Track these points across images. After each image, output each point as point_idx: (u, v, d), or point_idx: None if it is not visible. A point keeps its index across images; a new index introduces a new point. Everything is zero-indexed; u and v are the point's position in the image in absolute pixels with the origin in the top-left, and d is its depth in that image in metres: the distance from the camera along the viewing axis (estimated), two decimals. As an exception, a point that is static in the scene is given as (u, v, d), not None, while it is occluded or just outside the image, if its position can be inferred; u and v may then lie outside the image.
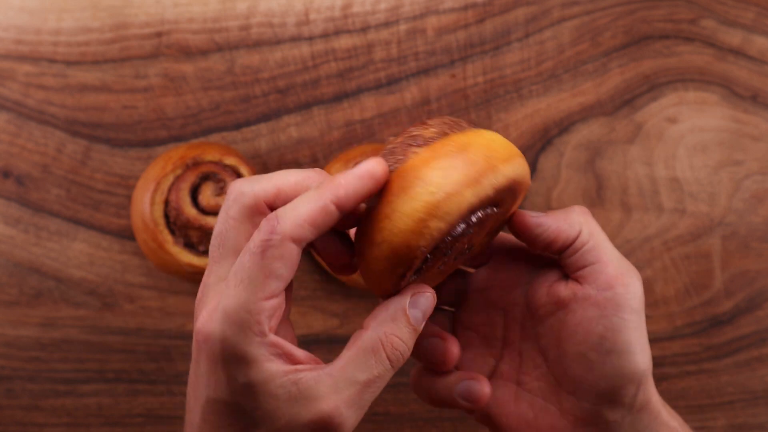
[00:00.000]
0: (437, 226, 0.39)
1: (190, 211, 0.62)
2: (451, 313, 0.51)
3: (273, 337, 0.40)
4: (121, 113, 0.68)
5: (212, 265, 0.41)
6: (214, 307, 0.40)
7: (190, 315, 0.68)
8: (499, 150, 0.42)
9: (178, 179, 0.62)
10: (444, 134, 0.42)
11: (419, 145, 0.42)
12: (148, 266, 0.68)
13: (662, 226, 0.69)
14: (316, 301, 0.69)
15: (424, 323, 0.42)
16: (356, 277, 0.64)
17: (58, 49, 0.67)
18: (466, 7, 0.68)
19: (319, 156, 0.68)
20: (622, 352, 0.46)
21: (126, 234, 0.68)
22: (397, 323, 0.41)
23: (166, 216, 0.63)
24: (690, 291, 0.70)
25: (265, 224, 0.39)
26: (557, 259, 0.48)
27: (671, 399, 0.70)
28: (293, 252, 0.39)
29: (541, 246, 0.46)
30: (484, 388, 0.47)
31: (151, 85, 0.68)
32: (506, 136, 0.69)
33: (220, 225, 0.41)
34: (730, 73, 0.69)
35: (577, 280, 0.47)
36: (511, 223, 0.46)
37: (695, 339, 0.70)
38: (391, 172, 0.42)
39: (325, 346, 0.69)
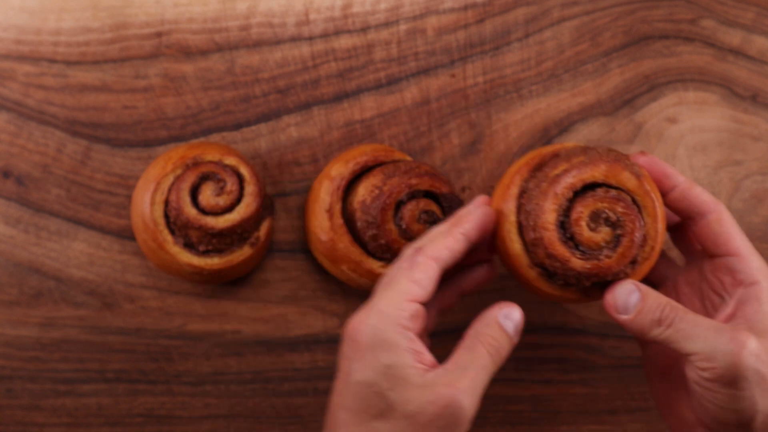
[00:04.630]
0: None
1: (190, 211, 0.62)
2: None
3: (413, 335, 0.50)
4: (122, 113, 0.68)
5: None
6: (368, 308, 0.51)
7: (190, 315, 0.69)
8: None
9: (178, 179, 0.63)
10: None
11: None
12: (148, 266, 0.68)
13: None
14: (316, 301, 0.69)
15: (517, 334, 0.53)
16: (356, 278, 0.64)
17: (58, 49, 0.67)
18: (466, 7, 0.68)
19: (319, 156, 0.68)
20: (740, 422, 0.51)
21: (126, 234, 0.68)
22: (490, 326, 0.52)
23: (166, 216, 0.63)
24: (690, 291, 0.70)
25: (410, 250, 0.53)
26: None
27: (671, 399, 0.70)
28: (434, 268, 0.52)
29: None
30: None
31: (151, 85, 0.68)
32: (506, 136, 0.69)
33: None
34: (730, 73, 0.69)
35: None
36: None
37: (695, 339, 0.70)
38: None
39: (325, 345, 0.69)
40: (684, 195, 0.55)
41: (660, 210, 0.55)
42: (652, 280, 0.61)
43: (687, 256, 0.61)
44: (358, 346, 0.50)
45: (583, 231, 0.54)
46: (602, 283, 0.55)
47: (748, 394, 0.50)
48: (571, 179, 0.54)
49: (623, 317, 0.53)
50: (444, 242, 0.53)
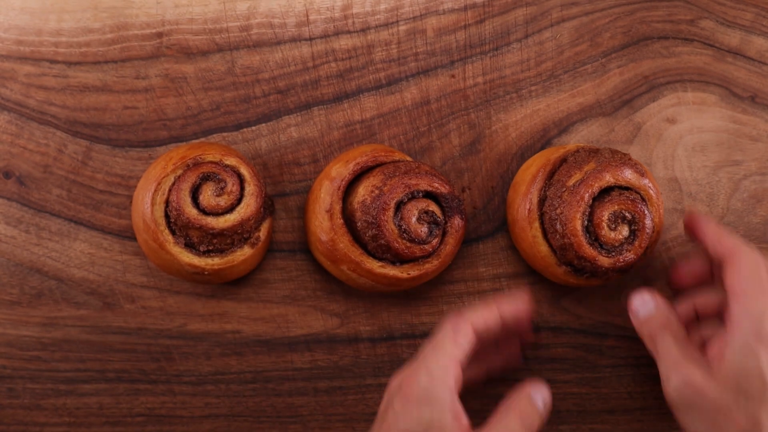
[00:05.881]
0: None
1: (191, 212, 0.62)
2: None
3: (455, 396, 0.56)
4: (122, 114, 0.68)
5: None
6: (417, 365, 0.56)
7: (190, 315, 0.69)
8: None
9: (178, 179, 0.63)
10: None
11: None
12: (149, 266, 0.68)
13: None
14: (316, 301, 0.69)
15: (546, 410, 0.58)
16: (356, 278, 0.64)
17: (59, 50, 0.67)
18: (465, 8, 0.68)
19: (319, 156, 0.68)
20: None
21: (127, 234, 0.68)
22: (523, 399, 0.57)
23: (167, 216, 0.63)
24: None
25: (453, 317, 0.59)
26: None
27: (670, 398, 0.70)
28: (471, 332, 0.58)
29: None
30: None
31: (151, 86, 0.68)
32: (506, 136, 0.69)
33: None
34: (729, 73, 0.69)
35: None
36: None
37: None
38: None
39: (326, 345, 0.69)
40: (709, 244, 0.60)
41: (660, 198, 0.64)
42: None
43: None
44: (407, 400, 0.55)
45: (606, 233, 0.62)
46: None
47: (689, 419, 0.56)
48: (589, 188, 0.62)
49: (634, 320, 0.62)
50: (482, 313, 0.59)
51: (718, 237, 0.59)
